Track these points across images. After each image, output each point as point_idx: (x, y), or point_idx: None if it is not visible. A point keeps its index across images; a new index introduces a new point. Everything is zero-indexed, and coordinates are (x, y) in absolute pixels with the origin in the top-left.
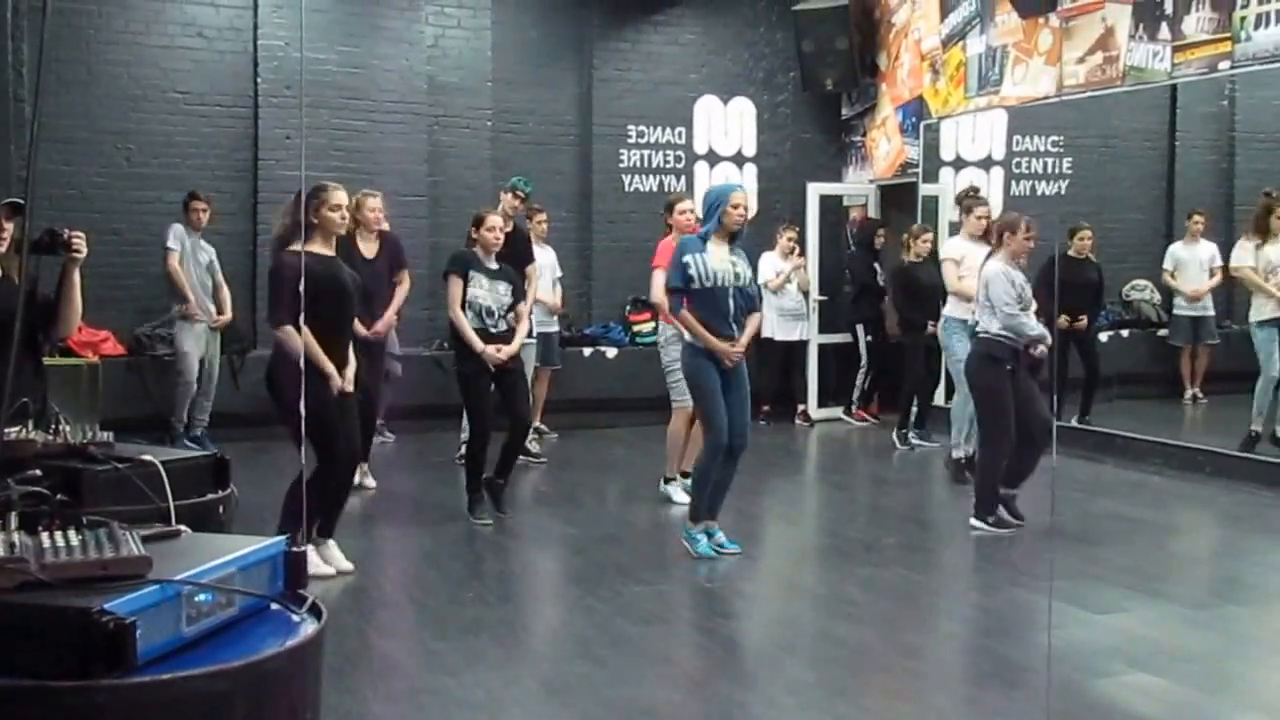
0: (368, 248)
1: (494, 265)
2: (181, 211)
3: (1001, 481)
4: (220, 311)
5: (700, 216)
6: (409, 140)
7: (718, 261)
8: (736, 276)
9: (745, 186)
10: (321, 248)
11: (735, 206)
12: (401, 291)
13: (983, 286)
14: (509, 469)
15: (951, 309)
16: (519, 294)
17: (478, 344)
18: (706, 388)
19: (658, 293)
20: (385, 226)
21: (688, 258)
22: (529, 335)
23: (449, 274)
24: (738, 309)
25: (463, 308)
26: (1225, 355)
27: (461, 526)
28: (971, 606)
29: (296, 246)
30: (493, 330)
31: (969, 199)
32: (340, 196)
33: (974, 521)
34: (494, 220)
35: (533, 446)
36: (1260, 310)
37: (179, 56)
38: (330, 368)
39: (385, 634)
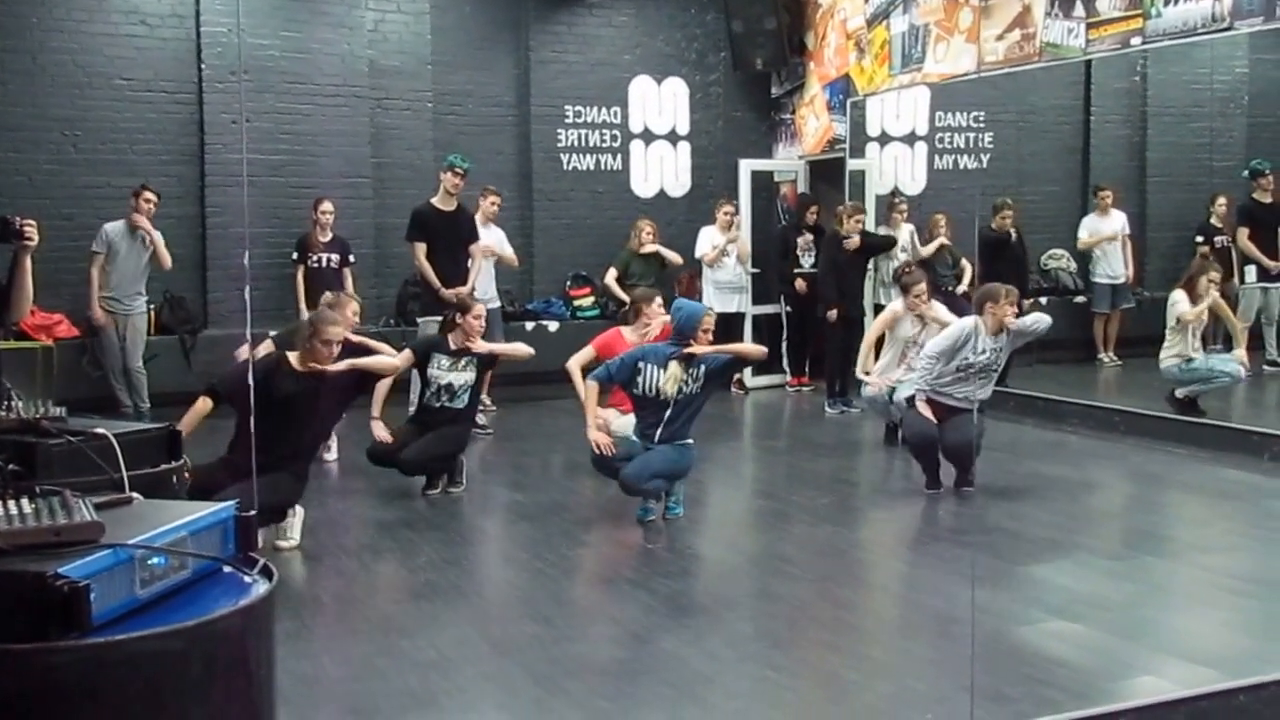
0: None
1: (458, 348)
2: (132, 200)
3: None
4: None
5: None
6: (352, 123)
7: (670, 382)
8: (680, 391)
9: (712, 310)
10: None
11: (706, 330)
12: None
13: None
14: (451, 477)
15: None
16: (485, 365)
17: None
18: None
19: (575, 363)
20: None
21: (642, 364)
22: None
23: (409, 348)
24: (674, 421)
25: (424, 383)
26: (1136, 321)
27: (413, 496)
28: (900, 562)
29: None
30: (446, 406)
31: (907, 275)
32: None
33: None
34: (480, 309)
35: (480, 419)
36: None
37: (122, 44)
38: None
39: (340, 599)
